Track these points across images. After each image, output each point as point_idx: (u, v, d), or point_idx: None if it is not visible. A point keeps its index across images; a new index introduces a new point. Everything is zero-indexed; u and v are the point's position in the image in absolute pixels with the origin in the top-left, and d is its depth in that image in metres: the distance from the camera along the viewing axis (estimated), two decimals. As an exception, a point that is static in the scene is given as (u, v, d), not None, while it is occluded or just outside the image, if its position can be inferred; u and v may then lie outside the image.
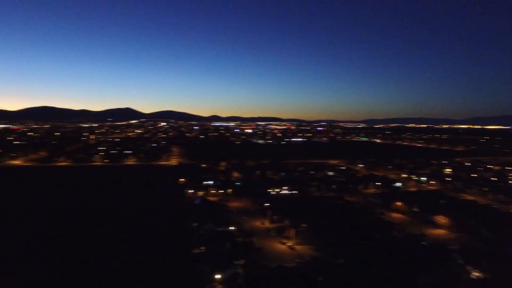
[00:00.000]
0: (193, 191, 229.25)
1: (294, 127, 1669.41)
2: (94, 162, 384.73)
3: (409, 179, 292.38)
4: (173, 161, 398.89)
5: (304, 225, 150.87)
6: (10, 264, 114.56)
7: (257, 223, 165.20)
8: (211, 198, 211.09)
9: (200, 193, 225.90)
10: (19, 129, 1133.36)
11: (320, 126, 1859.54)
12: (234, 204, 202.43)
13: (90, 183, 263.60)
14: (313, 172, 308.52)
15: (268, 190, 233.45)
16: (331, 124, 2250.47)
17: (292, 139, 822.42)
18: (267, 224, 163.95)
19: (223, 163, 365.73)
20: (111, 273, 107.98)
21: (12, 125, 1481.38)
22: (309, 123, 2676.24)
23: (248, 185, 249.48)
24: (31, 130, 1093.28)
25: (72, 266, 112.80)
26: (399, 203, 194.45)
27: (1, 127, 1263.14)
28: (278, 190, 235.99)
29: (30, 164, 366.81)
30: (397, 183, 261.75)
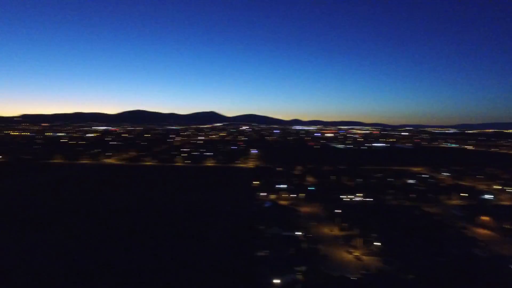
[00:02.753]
0: (265, 194, 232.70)
1: (377, 132, 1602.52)
2: (177, 162, 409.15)
3: (502, 191, 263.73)
4: (250, 164, 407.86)
5: (374, 235, 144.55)
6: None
7: (326, 230, 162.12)
8: (282, 202, 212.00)
9: (272, 197, 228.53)
10: (116, 131, 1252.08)
11: (405, 131, 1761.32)
12: (305, 209, 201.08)
13: (169, 182, 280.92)
14: (391, 179, 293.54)
15: (341, 197, 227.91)
16: (417, 129, 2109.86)
17: (374, 144, 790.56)
18: (335, 231, 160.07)
19: (299, 167, 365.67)
20: (172, 270, 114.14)
21: (111, 127, 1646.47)
22: (393, 127, 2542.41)
23: (321, 190, 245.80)
24: (126, 131, 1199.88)
25: (137, 260, 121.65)
26: (486, 218, 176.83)
27: (102, 129, 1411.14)
28: (352, 196, 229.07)
29: (121, 163, 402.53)
30: (486, 195, 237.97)
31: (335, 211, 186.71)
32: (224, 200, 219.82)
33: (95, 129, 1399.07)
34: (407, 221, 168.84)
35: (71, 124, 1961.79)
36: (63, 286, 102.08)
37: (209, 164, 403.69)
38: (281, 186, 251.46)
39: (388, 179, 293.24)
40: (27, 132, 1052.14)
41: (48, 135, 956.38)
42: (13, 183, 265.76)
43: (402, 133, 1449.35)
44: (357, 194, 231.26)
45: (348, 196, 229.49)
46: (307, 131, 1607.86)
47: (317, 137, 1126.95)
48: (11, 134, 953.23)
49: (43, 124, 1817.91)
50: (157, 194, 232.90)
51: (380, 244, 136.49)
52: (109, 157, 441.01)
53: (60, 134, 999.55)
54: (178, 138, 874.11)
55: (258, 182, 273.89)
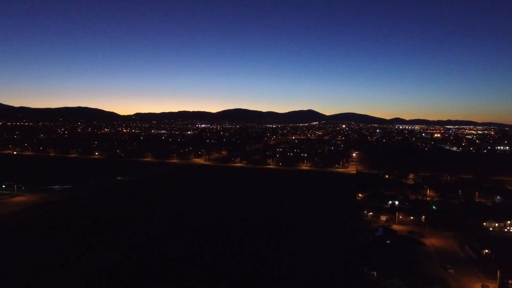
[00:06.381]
0: (372, 213, 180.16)
1: (493, 132, 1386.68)
2: (267, 165, 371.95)
3: None
4: (351, 169, 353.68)
5: None
6: None
7: (474, 285, 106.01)
8: (398, 227, 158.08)
9: (383, 218, 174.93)
10: (214, 129, 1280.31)
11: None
12: (431, 240, 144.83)
13: (251, 189, 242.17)
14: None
15: (482, 223, 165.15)
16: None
17: (497, 147, 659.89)
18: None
19: (411, 175, 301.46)
20: None
21: (211, 125, 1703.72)
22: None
23: (448, 211, 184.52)
24: (225, 129, 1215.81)
25: None
26: None
27: (203, 127, 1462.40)
28: (499, 225, 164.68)
29: (208, 163, 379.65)
30: None
31: (481, 248, 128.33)
32: (317, 220, 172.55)
33: (197, 126, 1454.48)
34: None
35: (177, 122, 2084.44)
36: None
37: (304, 168, 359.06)
38: (394, 201, 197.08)
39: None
40: (136, 130, 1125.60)
41: (153, 132, 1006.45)
42: (81, 186, 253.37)
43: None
44: (505, 221, 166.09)
45: (492, 224, 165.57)
46: (410, 131, 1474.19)
47: (424, 137, 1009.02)
48: (123, 131, 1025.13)
49: (153, 122, 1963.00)
50: (230, 205, 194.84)
51: None
52: (199, 156, 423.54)
53: (162, 131, 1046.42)
54: (273, 137, 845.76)
55: (362, 195, 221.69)
